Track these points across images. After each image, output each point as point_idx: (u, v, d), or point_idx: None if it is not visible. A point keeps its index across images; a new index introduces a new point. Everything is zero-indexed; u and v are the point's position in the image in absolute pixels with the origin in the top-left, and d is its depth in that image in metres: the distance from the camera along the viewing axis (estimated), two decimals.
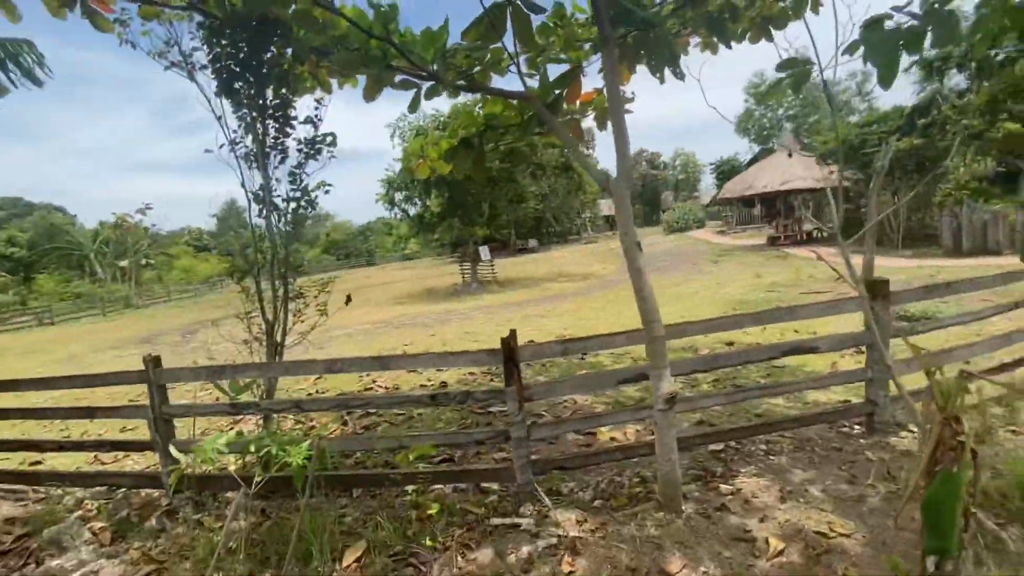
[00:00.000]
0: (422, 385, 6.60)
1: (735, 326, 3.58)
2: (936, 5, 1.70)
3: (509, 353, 3.28)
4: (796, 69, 2.37)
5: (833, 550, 2.67)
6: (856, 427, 4.01)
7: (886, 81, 1.84)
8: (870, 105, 33.92)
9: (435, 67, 3.47)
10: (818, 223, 21.78)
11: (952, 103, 13.59)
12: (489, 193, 18.11)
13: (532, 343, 3.45)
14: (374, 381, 6.81)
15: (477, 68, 3.71)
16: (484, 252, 20.14)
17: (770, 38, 4.06)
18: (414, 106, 3.92)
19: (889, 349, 3.71)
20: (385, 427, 5.25)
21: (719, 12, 3.76)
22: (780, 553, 2.69)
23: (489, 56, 3.66)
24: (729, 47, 4.01)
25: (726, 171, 37.31)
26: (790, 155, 20.11)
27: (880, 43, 1.82)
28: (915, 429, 3.83)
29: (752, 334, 7.23)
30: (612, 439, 4.29)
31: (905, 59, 1.86)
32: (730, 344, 6.87)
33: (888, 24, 1.92)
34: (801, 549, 2.70)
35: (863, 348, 4.01)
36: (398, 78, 3.64)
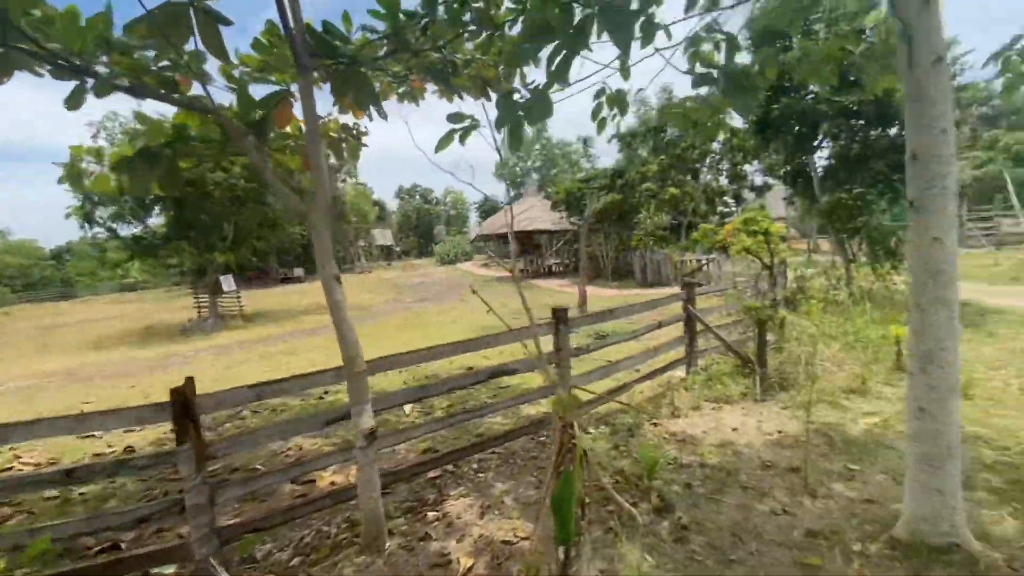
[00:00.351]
0: (97, 454, 5.16)
1: (434, 357, 3.75)
2: (539, 88, 2.16)
3: (183, 406, 2.77)
4: (464, 124, 2.67)
5: (514, 555, 2.95)
6: (550, 435, 4.66)
7: (514, 147, 2.21)
8: (593, 164, 42.27)
9: (90, 61, 2.82)
10: (557, 259, 25.78)
11: (637, 169, 17.90)
12: (234, 214, 15.90)
13: (220, 391, 2.99)
14: (17, 457, 5.04)
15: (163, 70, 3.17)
16: (227, 282, 17.49)
17: (488, 97, 4.55)
18: (72, 101, 3.12)
19: (570, 366, 4.45)
20: (25, 518, 3.89)
21: (441, 65, 4.04)
22: (470, 570, 2.85)
23: (168, 61, 3.17)
24: (461, 98, 4.31)
25: (487, 210, 41.21)
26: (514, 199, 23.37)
27: (507, 113, 2.19)
28: (592, 431, 4.65)
29: (491, 356, 7.89)
30: (332, 483, 4.03)
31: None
32: (470, 368, 7.34)
33: (516, 96, 2.33)
34: (488, 561, 2.91)
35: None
36: (47, 67, 2.85)
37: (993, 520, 2.92)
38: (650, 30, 2.17)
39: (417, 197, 65.05)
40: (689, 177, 19.18)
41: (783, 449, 3.99)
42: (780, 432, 4.36)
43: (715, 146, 18.03)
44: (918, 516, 2.62)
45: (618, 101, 3.09)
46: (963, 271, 13.09)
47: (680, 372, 6.58)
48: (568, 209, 19.96)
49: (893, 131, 9.40)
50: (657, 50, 2.50)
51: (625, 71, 2.76)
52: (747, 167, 18.43)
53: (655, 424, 4.69)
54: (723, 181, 19.10)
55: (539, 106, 2.10)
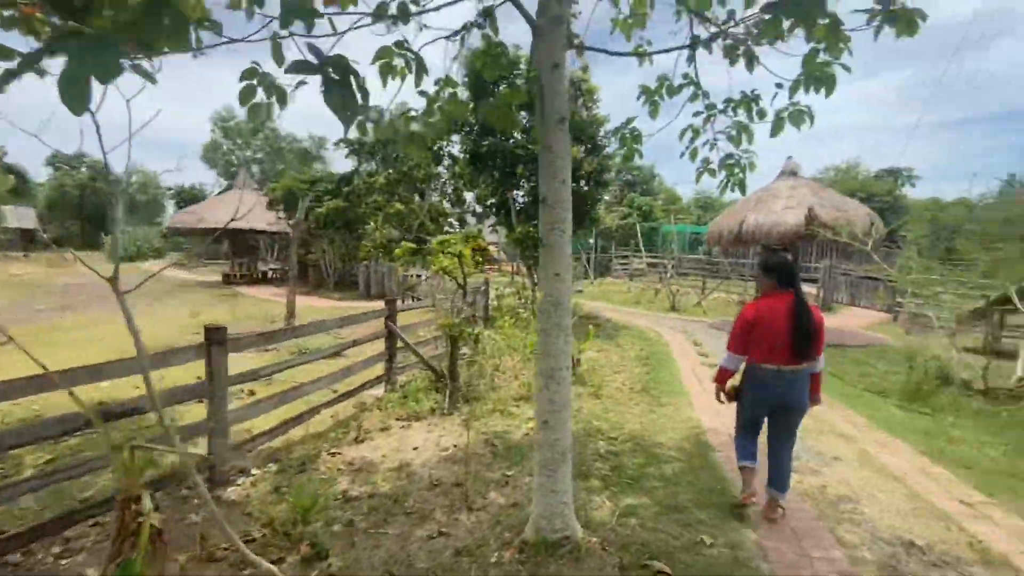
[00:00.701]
0: None
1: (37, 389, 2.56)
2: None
3: None
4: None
5: None
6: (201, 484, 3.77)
7: None
8: (327, 167, 39.84)
9: None
10: (276, 264, 23.04)
11: (363, 180, 17.52)
12: None
13: None
14: None
15: None
16: None
17: None
18: None
19: (227, 397, 3.69)
20: None
21: None
22: None
23: None
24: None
25: (188, 200, 34.14)
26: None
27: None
28: (255, 473, 3.96)
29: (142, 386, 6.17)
30: None
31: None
32: (101, 404, 5.54)
33: None
34: None
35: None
36: None
37: (597, 505, 3.56)
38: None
39: (84, 170, 49.00)
40: (417, 196, 19.84)
41: (454, 464, 4.14)
42: (455, 446, 4.55)
43: (442, 170, 19.15)
44: (541, 516, 2.96)
45: (277, 90, 2.65)
46: (608, 295, 17.03)
47: (380, 390, 6.41)
48: (287, 210, 18.08)
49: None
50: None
51: None
52: (468, 194, 20.20)
53: (334, 453, 4.31)
54: (447, 205, 20.43)
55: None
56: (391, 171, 17.33)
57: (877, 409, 6.20)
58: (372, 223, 19.15)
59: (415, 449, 4.46)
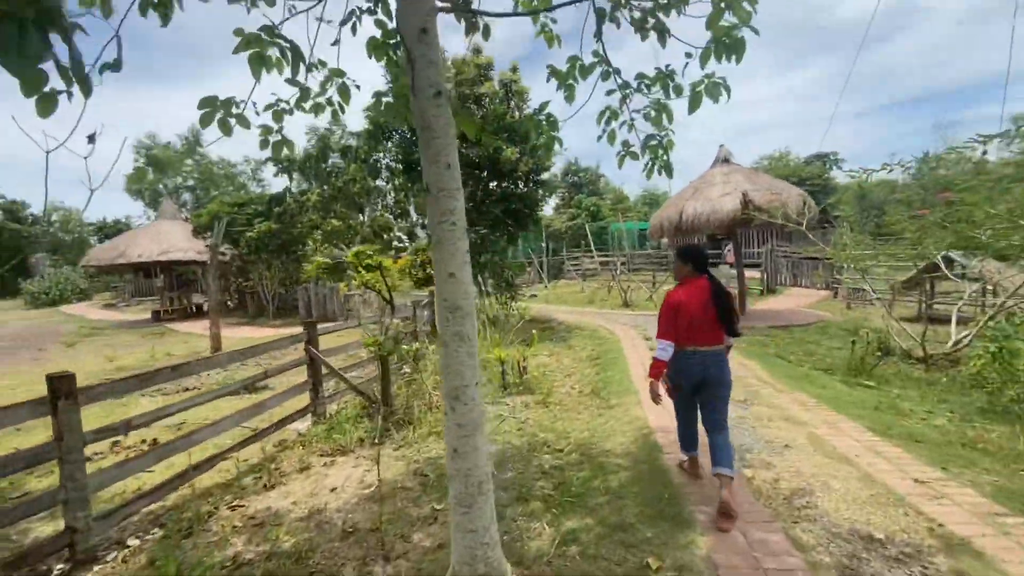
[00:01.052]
0: None
1: None
2: None
3: None
4: None
5: None
6: (60, 565, 3.11)
7: None
8: (264, 188, 38.07)
9: None
10: (205, 296, 21.57)
11: (295, 198, 16.64)
12: None
13: None
14: None
15: None
16: None
17: None
18: None
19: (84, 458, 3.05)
20: None
21: None
22: None
23: None
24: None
25: (110, 234, 31.75)
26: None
27: None
28: (132, 543, 3.32)
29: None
30: None
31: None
32: None
33: None
34: None
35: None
36: None
37: (536, 533, 3.14)
38: None
39: None
40: (357, 212, 19.06)
41: (375, 504, 3.63)
42: (381, 480, 4.03)
43: (380, 183, 18.48)
44: (460, 561, 2.51)
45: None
46: (562, 298, 16.83)
47: (307, 423, 5.80)
48: (218, 236, 16.89)
49: (505, 183, 11.29)
50: None
51: None
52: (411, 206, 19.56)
53: (235, 506, 3.70)
54: (390, 217, 19.75)
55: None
56: (324, 187, 16.54)
57: (824, 387, 6.11)
58: (311, 243, 18.24)
59: (333, 491, 3.91)
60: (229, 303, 21.94)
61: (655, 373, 3.33)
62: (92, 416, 5.77)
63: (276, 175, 17.11)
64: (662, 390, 3.44)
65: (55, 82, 1.84)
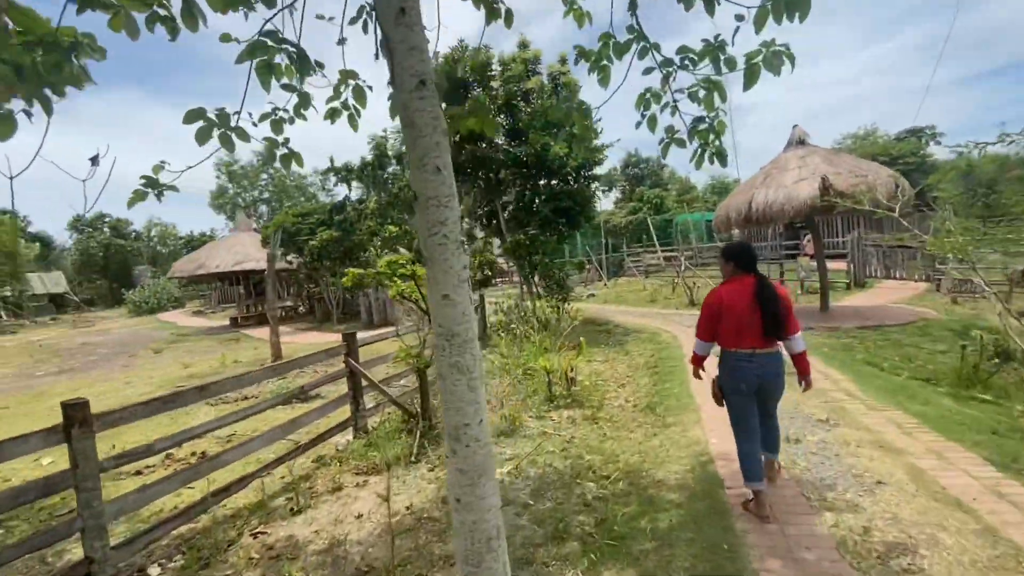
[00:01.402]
0: None
1: None
2: None
3: None
4: None
5: None
6: None
7: None
8: (331, 197, 39.90)
9: None
10: (290, 302, 22.81)
11: (354, 206, 17.09)
12: None
13: None
14: None
15: None
16: None
17: None
18: None
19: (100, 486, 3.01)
20: None
21: None
22: None
23: None
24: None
25: (196, 246, 34.56)
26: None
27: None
28: (152, 572, 3.26)
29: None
30: None
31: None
32: None
33: None
34: None
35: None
36: None
37: None
38: None
39: (106, 230, 50.32)
40: (413, 217, 19.34)
41: (399, 538, 3.37)
42: (408, 508, 3.78)
43: None
44: None
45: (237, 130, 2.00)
46: (623, 297, 16.02)
47: (347, 436, 5.72)
48: (283, 246, 17.78)
49: (555, 181, 10.85)
50: None
51: None
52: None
53: (257, 534, 3.59)
54: None
55: None
56: (382, 194, 16.87)
57: (927, 403, 5.17)
58: (371, 249, 18.70)
59: (358, 517, 3.70)
60: (301, 308, 23.11)
61: (696, 362, 3.54)
62: (135, 432, 6.03)
63: (335, 184, 17.68)
64: (702, 373, 3.56)
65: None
